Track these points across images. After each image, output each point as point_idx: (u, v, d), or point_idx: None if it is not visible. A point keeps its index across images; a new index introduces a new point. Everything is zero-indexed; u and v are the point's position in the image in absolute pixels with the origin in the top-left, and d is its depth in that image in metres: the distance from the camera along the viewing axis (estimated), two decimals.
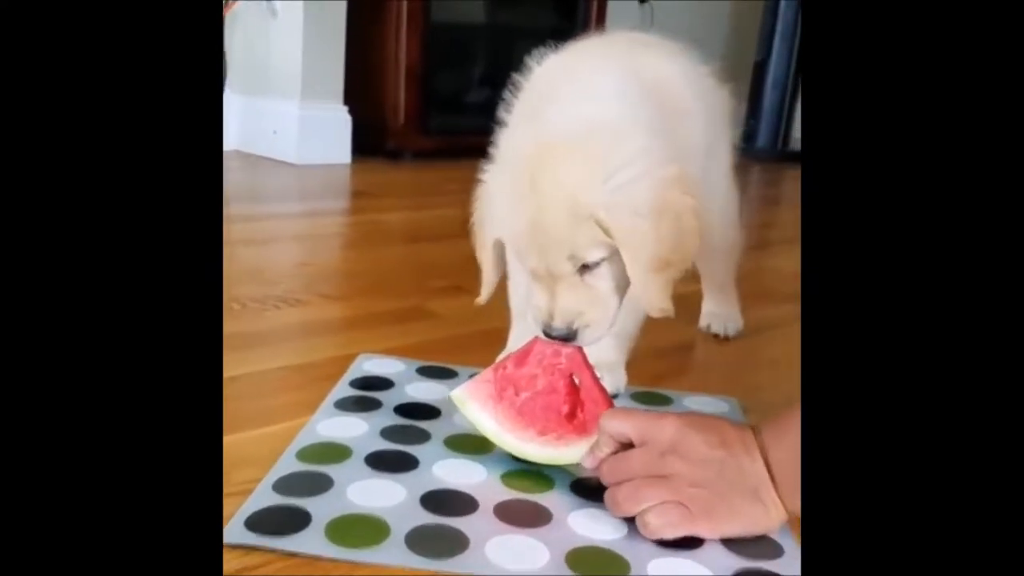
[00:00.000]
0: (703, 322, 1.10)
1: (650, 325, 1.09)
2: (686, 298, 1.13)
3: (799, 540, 0.61)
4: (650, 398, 0.86)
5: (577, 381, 0.70)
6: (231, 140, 2.40)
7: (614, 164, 0.66)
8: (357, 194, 2.04)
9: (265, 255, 1.41)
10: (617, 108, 0.71)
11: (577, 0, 2.84)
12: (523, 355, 0.71)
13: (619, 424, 0.64)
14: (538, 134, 0.69)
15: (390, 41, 2.39)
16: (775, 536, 0.61)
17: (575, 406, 0.70)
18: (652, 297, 0.69)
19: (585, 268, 0.68)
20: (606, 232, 0.66)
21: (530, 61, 0.81)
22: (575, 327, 0.69)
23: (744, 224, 1.04)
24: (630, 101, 0.72)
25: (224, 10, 2.26)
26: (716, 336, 1.08)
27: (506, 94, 0.80)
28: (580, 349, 0.70)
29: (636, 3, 3.33)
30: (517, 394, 0.70)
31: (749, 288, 1.19)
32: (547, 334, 0.69)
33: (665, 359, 1.00)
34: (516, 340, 0.86)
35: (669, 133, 0.73)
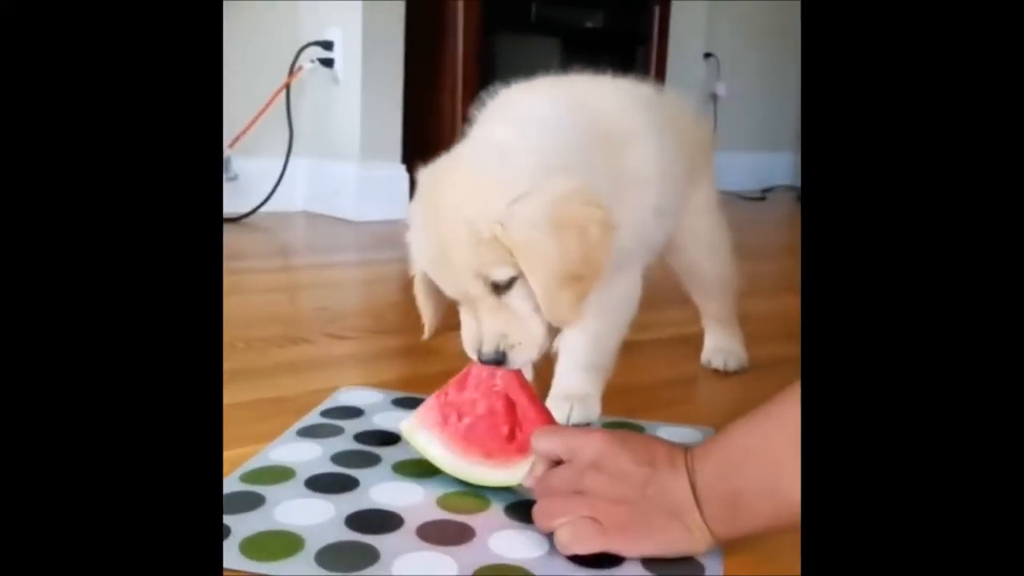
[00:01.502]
0: (704, 357, 1.07)
1: (654, 361, 1.08)
2: (692, 337, 1.11)
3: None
4: (621, 428, 0.83)
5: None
6: (298, 201, 2.52)
7: (504, 179, 0.67)
8: (401, 246, 2.08)
9: (288, 301, 1.46)
10: (522, 129, 0.72)
11: (635, 57, 2.87)
12: (462, 380, 0.71)
13: (547, 442, 0.63)
14: (442, 159, 0.71)
15: (446, 104, 2.47)
16: (701, 559, 0.58)
17: (514, 426, 0.69)
18: (558, 310, 0.68)
19: (499, 288, 0.69)
20: (507, 248, 0.66)
21: (485, 96, 0.83)
22: (502, 349, 0.69)
23: (739, 258, 1.02)
24: (538, 122, 0.73)
25: (291, 79, 2.39)
26: (717, 371, 1.05)
27: (464, 128, 0.83)
28: (516, 370, 0.70)
29: (701, 58, 3.33)
30: (460, 419, 0.70)
31: (780, 327, 1.18)
32: (480, 360, 0.70)
33: (660, 392, 0.98)
34: None
35: (593, 158, 0.74)
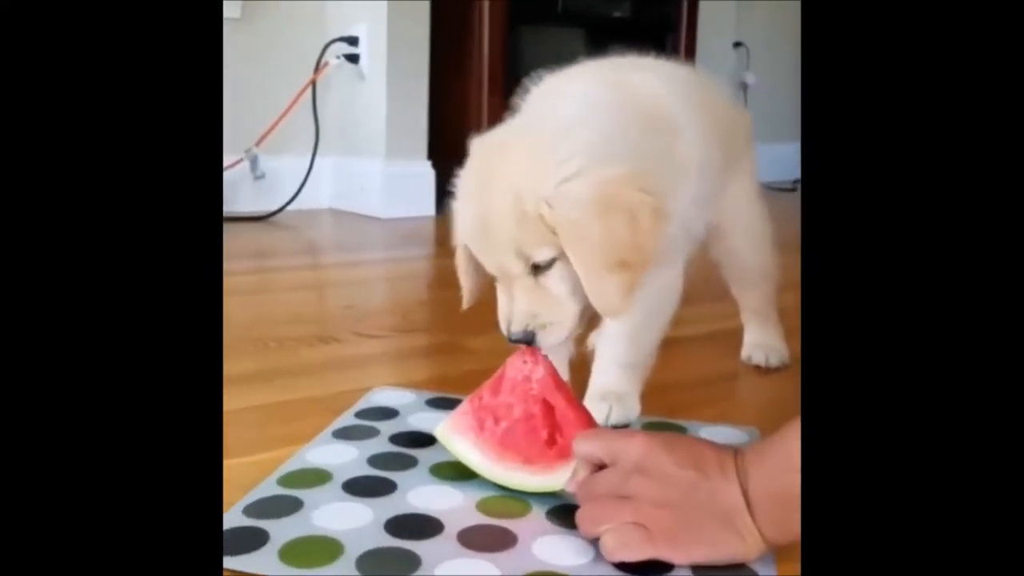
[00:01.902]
0: (744, 353, 1.05)
1: (692, 358, 1.06)
2: (731, 333, 1.09)
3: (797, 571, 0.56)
4: (663, 428, 0.82)
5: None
6: (325, 199, 2.51)
7: (558, 159, 0.66)
8: (428, 243, 2.07)
9: (317, 299, 1.45)
10: (573, 109, 0.71)
11: (664, 47, 2.83)
12: (496, 384, 0.70)
13: (589, 445, 0.62)
14: (498, 130, 0.70)
15: (471, 99, 2.45)
16: (754, 565, 0.56)
17: (553, 430, 0.67)
18: (606, 298, 0.67)
19: (538, 269, 0.68)
20: (551, 228, 0.65)
21: (528, 83, 0.81)
22: (531, 329, 0.68)
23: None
24: (593, 106, 0.72)
25: (317, 75, 2.39)
26: (758, 367, 1.02)
27: (506, 117, 0.81)
28: (551, 372, 0.68)
29: (730, 47, 3.29)
30: (496, 423, 0.69)
31: None
32: (509, 338, 0.69)
33: (700, 390, 0.96)
34: None
35: (646, 145, 0.72)
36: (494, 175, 0.67)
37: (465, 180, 0.71)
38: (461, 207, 0.71)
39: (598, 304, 0.67)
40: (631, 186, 0.66)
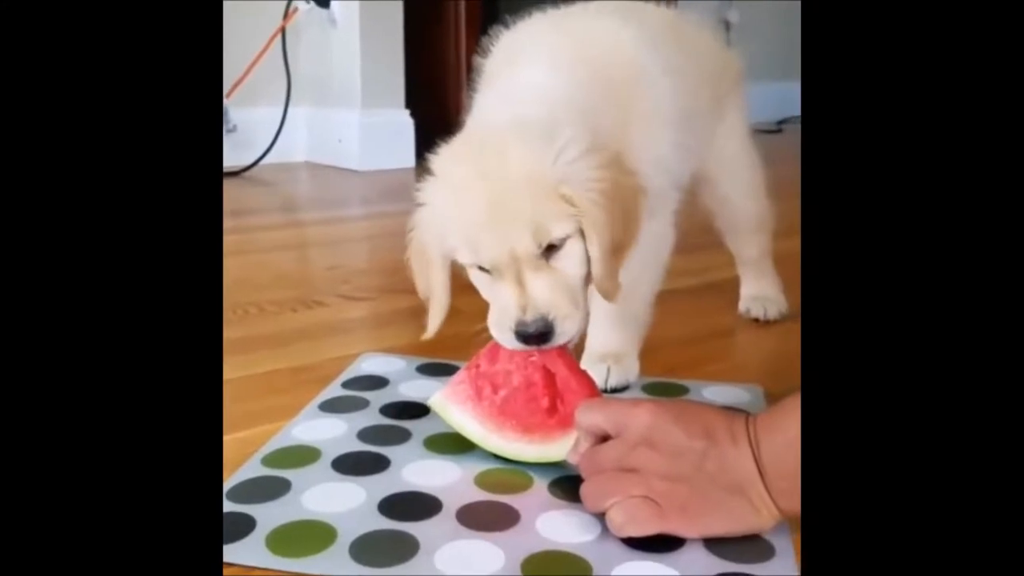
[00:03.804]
0: (742, 306, 1.02)
1: (689, 311, 1.03)
2: (727, 283, 1.06)
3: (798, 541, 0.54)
4: (664, 389, 0.79)
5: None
6: (301, 152, 2.44)
7: (556, 142, 0.63)
8: (409, 196, 2.02)
9: (298, 260, 1.40)
10: (542, 78, 0.69)
11: None
12: (493, 350, 0.66)
13: (592, 416, 0.58)
14: (476, 122, 0.69)
15: (449, 43, 2.38)
16: (768, 536, 0.54)
17: (555, 399, 0.64)
18: (608, 282, 0.65)
19: (551, 249, 0.63)
20: (570, 203, 0.62)
21: (487, 42, 0.78)
22: (551, 318, 0.62)
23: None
24: (563, 79, 0.69)
25: (286, 22, 2.30)
26: (756, 320, 0.99)
27: (472, 79, 0.78)
28: None
29: None
30: (495, 392, 0.65)
31: None
32: (521, 335, 0.62)
33: (700, 346, 0.93)
34: None
35: (612, 103, 0.70)
36: (494, 161, 0.62)
37: (449, 175, 0.65)
38: (457, 199, 0.64)
39: (601, 287, 0.65)
40: (621, 169, 0.64)
